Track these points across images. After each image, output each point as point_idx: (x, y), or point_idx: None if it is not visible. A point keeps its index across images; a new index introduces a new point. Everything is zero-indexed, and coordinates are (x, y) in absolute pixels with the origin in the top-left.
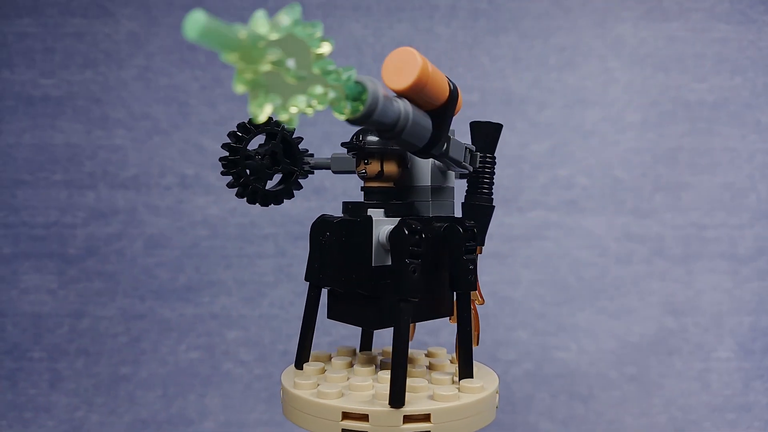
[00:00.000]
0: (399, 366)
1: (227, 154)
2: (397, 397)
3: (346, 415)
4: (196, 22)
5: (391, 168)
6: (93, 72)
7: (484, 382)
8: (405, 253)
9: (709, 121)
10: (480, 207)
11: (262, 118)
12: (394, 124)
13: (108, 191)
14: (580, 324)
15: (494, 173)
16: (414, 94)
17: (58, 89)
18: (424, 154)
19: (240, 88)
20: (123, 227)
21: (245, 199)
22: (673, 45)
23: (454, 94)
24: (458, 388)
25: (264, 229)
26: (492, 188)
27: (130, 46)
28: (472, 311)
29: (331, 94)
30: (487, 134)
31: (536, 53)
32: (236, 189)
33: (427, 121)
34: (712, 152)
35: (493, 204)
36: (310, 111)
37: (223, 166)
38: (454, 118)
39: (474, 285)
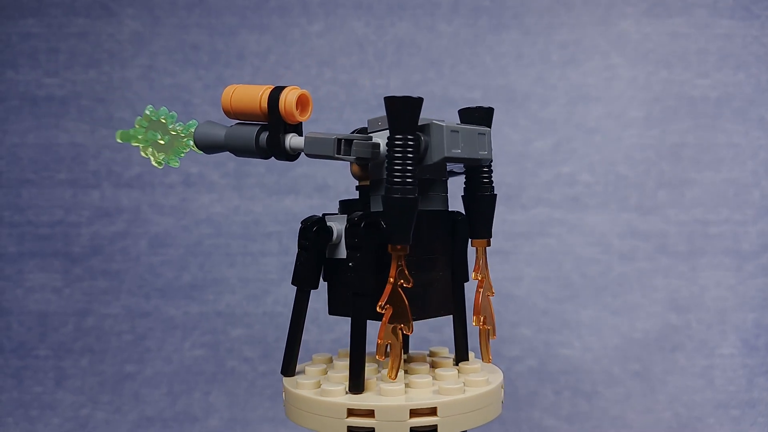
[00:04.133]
0: (291, 339)
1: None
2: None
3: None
4: (117, 133)
5: (353, 168)
6: (97, 72)
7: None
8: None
9: (713, 117)
10: (386, 200)
11: (158, 167)
12: (223, 144)
13: (112, 190)
14: (583, 321)
15: (413, 157)
16: (233, 117)
17: (62, 89)
18: (280, 158)
19: (143, 155)
20: (127, 226)
21: None
22: (676, 41)
23: (271, 103)
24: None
25: (268, 227)
26: (403, 176)
27: (134, 45)
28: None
29: (190, 142)
30: (396, 111)
31: (539, 50)
32: None
33: (247, 132)
34: (716, 148)
35: (410, 195)
36: (182, 155)
37: None
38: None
39: (353, 283)
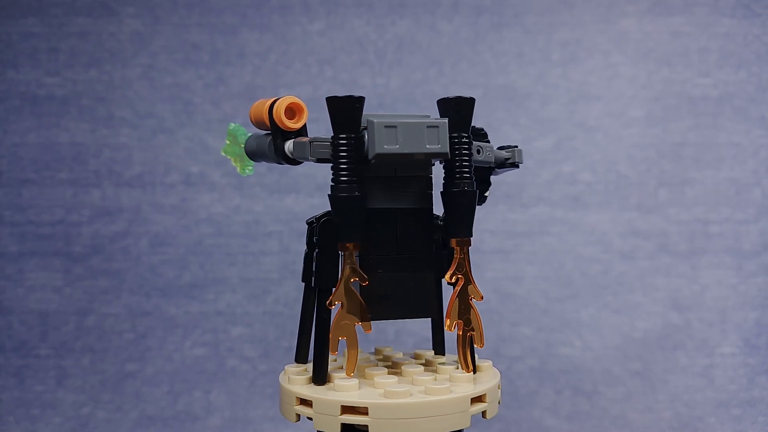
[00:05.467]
0: (300, 328)
1: None
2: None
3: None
4: (221, 149)
5: None
6: (97, 71)
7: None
8: None
9: (714, 116)
10: (330, 198)
11: (243, 175)
12: (255, 152)
13: (113, 189)
14: (584, 320)
15: (354, 155)
16: (258, 128)
17: (62, 88)
18: (284, 163)
19: (233, 164)
20: (128, 225)
21: None
22: (678, 40)
23: (269, 113)
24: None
25: (268, 226)
26: (344, 174)
27: (135, 45)
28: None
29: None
30: (336, 111)
31: (540, 49)
32: None
33: (264, 141)
34: (717, 147)
35: (355, 193)
36: (252, 163)
37: None
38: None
39: (316, 279)
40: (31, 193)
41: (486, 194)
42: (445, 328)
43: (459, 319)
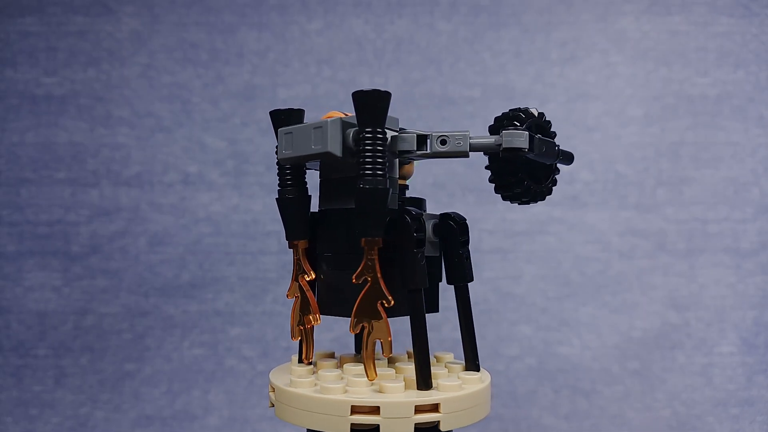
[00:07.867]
0: None
1: None
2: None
3: None
4: None
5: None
6: (96, 70)
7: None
8: None
9: (712, 116)
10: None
11: None
12: None
13: (111, 189)
14: (582, 319)
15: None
16: None
17: (61, 87)
18: None
19: None
20: (126, 224)
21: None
22: (676, 39)
23: None
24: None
25: (266, 225)
26: (281, 177)
27: (133, 44)
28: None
29: None
30: (273, 123)
31: (538, 48)
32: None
33: None
34: (715, 146)
35: (289, 195)
36: None
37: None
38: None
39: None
40: (29, 192)
41: (544, 184)
42: (350, 330)
43: (363, 323)
